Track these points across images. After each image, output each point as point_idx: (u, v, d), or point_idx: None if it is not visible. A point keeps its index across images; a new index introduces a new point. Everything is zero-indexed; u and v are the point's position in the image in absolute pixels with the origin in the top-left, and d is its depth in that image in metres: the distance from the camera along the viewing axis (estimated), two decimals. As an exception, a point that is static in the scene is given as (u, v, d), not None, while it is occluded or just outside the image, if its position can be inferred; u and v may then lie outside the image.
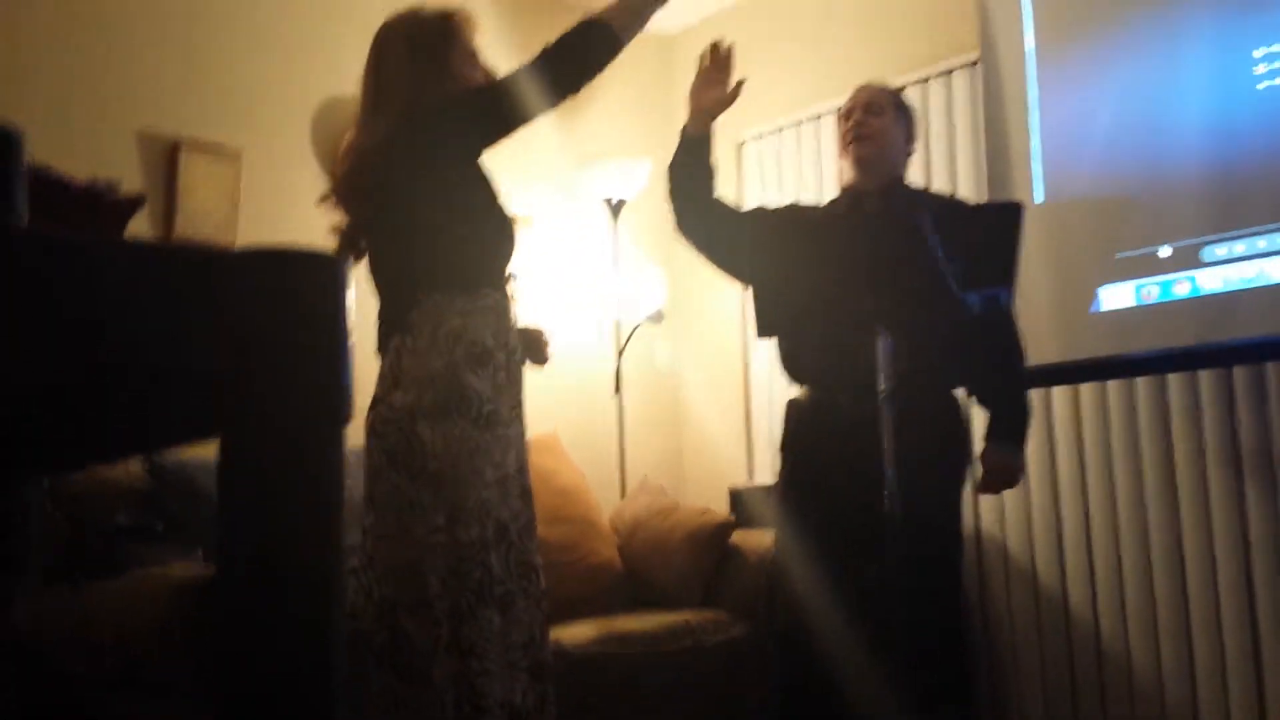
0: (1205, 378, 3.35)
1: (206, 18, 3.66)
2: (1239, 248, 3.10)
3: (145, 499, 2.99)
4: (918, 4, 4.15)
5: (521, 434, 2.44)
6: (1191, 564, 3.35)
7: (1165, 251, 3.23)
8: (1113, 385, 3.54)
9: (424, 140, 2.37)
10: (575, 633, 3.19)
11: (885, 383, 2.39)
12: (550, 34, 2.39)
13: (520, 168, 3.93)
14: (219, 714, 0.81)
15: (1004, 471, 2.73)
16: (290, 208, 3.65)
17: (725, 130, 4.52)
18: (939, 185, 3.99)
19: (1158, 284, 3.24)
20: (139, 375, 0.77)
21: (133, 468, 3.04)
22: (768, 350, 4.00)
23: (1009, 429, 2.75)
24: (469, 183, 2.44)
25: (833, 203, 2.96)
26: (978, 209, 3.20)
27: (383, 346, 2.36)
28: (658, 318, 4.39)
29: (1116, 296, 3.32)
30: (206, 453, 1.01)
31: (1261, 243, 3.06)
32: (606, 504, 4.07)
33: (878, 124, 2.81)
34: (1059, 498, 3.65)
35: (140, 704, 2.47)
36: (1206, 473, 3.34)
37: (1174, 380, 3.41)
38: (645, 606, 3.65)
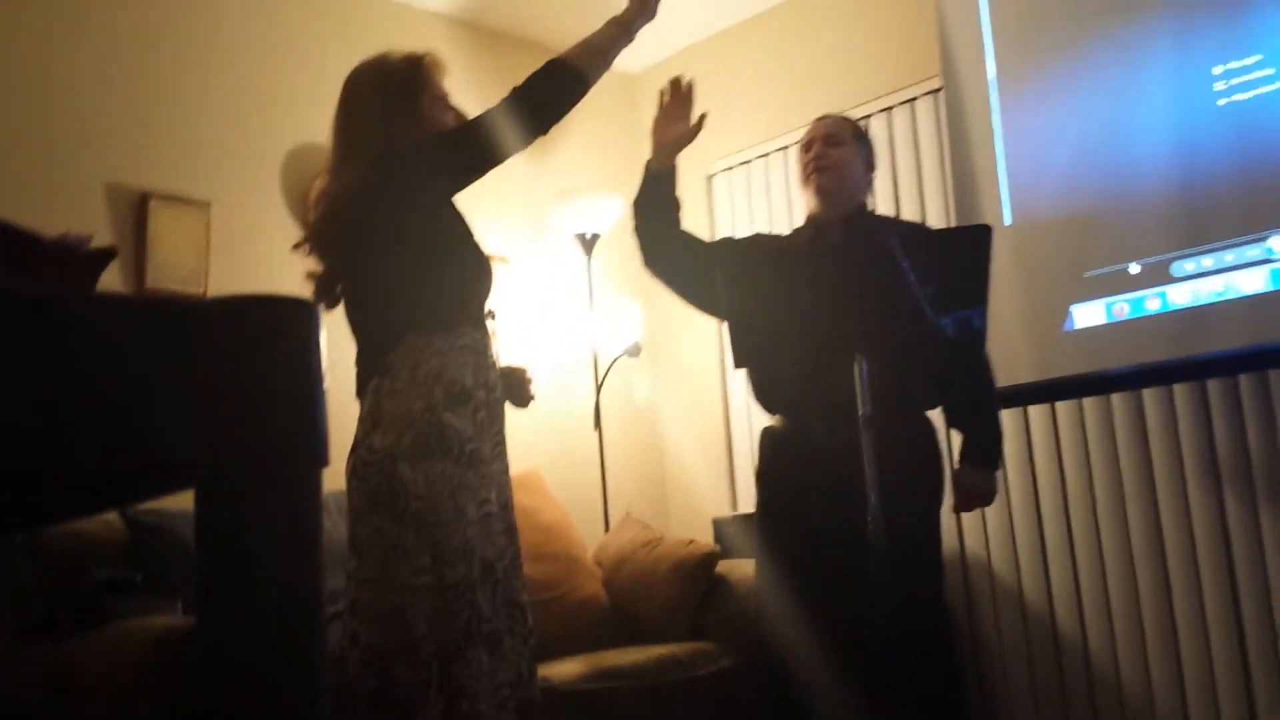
0: (1180, 392, 3.38)
1: (171, 69, 3.67)
2: (1207, 262, 3.14)
3: (124, 551, 2.97)
4: (879, 33, 4.20)
5: (504, 471, 2.43)
6: (1175, 575, 3.37)
7: (1134, 269, 3.26)
8: (1089, 403, 3.57)
9: (397, 184, 2.37)
10: (563, 670, 3.17)
11: (864, 407, 2.40)
12: (518, 76, 2.41)
13: (492, 208, 3.95)
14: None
15: (979, 493, 2.77)
16: (260, 256, 3.64)
17: (694, 163, 4.57)
18: (907, 211, 4.03)
19: (1128, 301, 3.27)
20: (116, 428, 0.77)
21: (111, 520, 3.01)
22: (746, 379, 4.02)
23: (984, 450, 2.77)
24: (443, 224, 2.45)
25: (797, 232, 2.97)
26: (945, 233, 3.23)
27: (361, 389, 2.36)
28: (635, 351, 4.40)
29: (1088, 315, 3.35)
30: (184, 503, 1.00)
31: (1229, 256, 3.10)
32: (590, 539, 4.05)
33: (838, 154, 2.84)
34: (1041, 516, 3.67)
35: (125, 761, 2.44)
36: (1186, 485, 3.37)
37: (1149, 395, 3.44)
38: (633, 641, 3.63)
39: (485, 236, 2.52)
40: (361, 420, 2.32)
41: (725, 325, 2.94)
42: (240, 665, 0.78)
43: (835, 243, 2.80)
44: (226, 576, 0.79)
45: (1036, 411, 3.69)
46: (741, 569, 3.65)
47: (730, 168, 4.68)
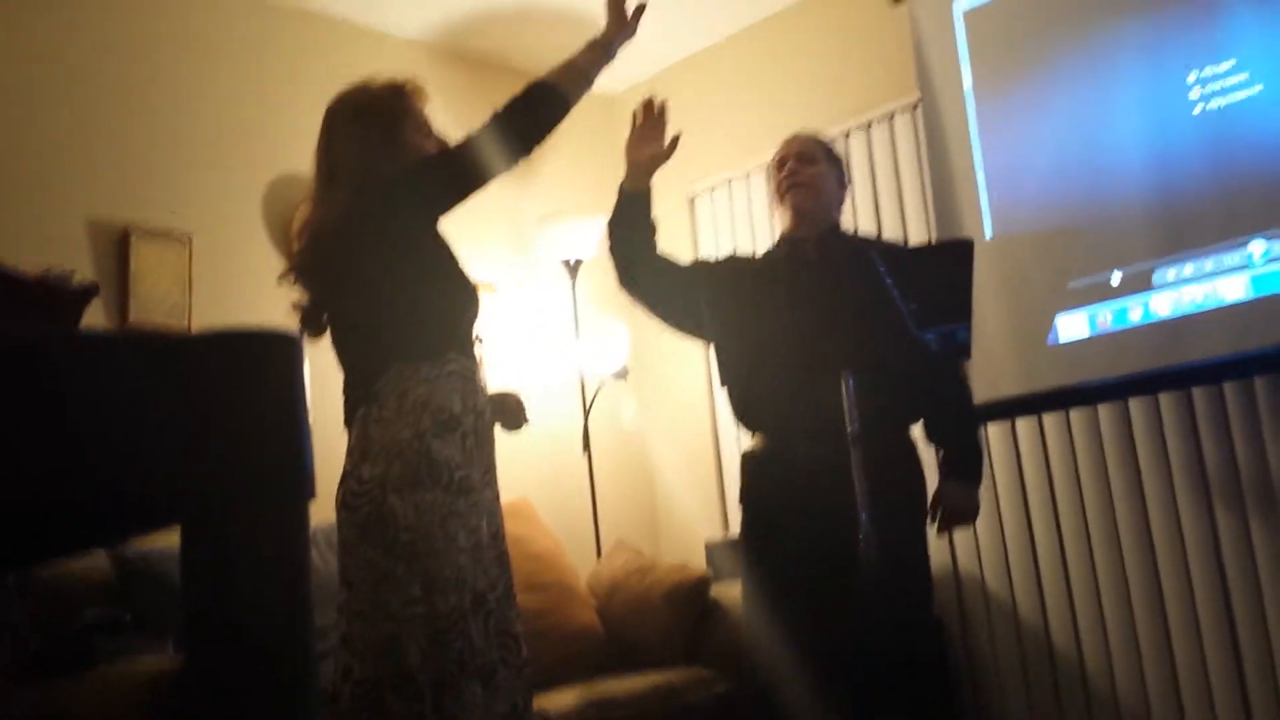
0: (1165, 401, 3.39)
1: (150, 103, 3.66)
2: (1188, 270, 3.15)
3: (113, 591, 2.94)
4: (857, 50, 4.22)
5: (495, 499, 2.41)
6: (1168, 584, 3.37)
7: (1116, 278, 3.27)
8: (1076, 414, 3.58)
9: (380, 211, 2.37)
10: (559, 700, 3.15)
11: (852, 424, 2.39)
12: (499, 102, 2.41)
13: (475, 234, 3.95)
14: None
15: (963, 508, 2.74)
16: (243, 289, 3.63)
17: (676, 184, 4.58)
18: (889, 226, 4.04)
19: (1112, 310, 3.28)
20: (102, 465, 0.76)
21: (99, 560, 2.99)
22: (726, 398, 4.01)
23: (966, 466, 2.75)
24: (427, 250, 2.44)
25: (771, 251, 2.95)
26: (923, 249, 3.23)
27: (349, 419, 2.34)
28: (622, 374, 4.39)
29: (1072, 326, 3.36)
30: (172, 541, 0.99)
31: (1209, 264, 3.12)
32: (582, 566, 4.03)
33: (811, 172, 2.83)
34: (1032, 529, 3.67)
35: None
36: (1174, 493, 3.37)
37: (1135, 405, 3.45)
38: (628, 668, 3.61)
39: (470, 264, 2.52)
40: (350, 450, 2.30)
41: (711, 345, 2.94)
42: (231, 704, 0.77)
43: (812, 260, 2.79)
44: (214, 612, 0.78)
45: (1024, 424, 3.69)
46: (735, 593, 3.61)
47: (712, 188, 4.69)
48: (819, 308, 2.67)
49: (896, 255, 2.78)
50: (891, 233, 4.00)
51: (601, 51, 2.51)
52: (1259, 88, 3.08)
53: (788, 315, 2.70)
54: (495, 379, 2.93)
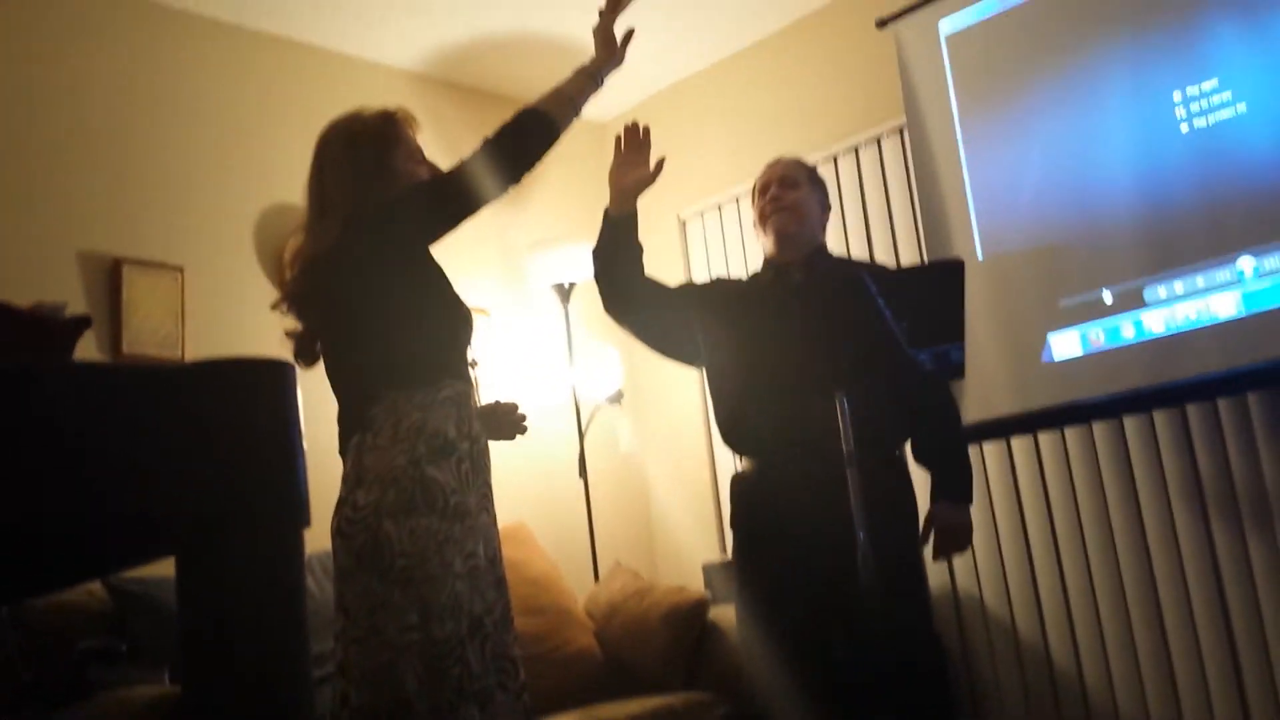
0: (1160, 418, 3.40)
1: (141, 135, 3.68)
2: (1178, 287, 3.17)
3: (108, 621, 2.93)
4: (844, 74, 4.25)
5: (492, 523, 2.41)
6: (1166, 600, 3.37)
7: (1108, 296, 3.29)
8: (1071, 432, 3.58)
9: (372, 239, 2.37)
10: (557, 724, 3.14)
11: (847, 445, 2.40)
12: (489, 130, 2.42)
13: (468, 261, 3.96)
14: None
15: (957, 529, 2.69)
16: (236, 318, 3.64)
17: (667, 206, 4.60)
18: (880, 249, 4.06)
19: (1104, 329, 3.30)
20: (98, 495, 0.77)
21: (94, 590, 2.98)
22: (715, 420, 4.02)
23: (957, 487, 2.73)
24: (420, 277, 2.45)
25: (757, 275, 2.95)
26: (914, 270, 3.24)
27: (344, 447, 2.34)
28: (617, 398, 4.39)
29: (1066, 345, 3.38)
30: (167, 570, 0.99)
31: (1200, 280, 3.13)
32: (580, 590, 4.03)
33: (794, 196, 2.84)
34: (1029, 547, 3.67)
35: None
36: (1171, 509, 3.38)
37: (1130, 423, 3.46)
38: (627, 692, 3.59)
39: (462, 291, 2.52)
40: (345, 478, 2.30)
41: (704, 368, 2.94)
42: (228, 732, 0.77)
43: (798, 283, 2.80)
44: (209, 640, 0.78)
45: (1020, 443, 3.70)
46: (732, 615, 3.61)
47: (702, 212, 4.71)
48: (806, 331, 2.66)
49: (887, 277, 2.78)
50: (883, 257, 4.02)
51: (590, 79, 2.52)
52: (1242, 106, 3.10)
53: (774, 338, 2.70)
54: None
